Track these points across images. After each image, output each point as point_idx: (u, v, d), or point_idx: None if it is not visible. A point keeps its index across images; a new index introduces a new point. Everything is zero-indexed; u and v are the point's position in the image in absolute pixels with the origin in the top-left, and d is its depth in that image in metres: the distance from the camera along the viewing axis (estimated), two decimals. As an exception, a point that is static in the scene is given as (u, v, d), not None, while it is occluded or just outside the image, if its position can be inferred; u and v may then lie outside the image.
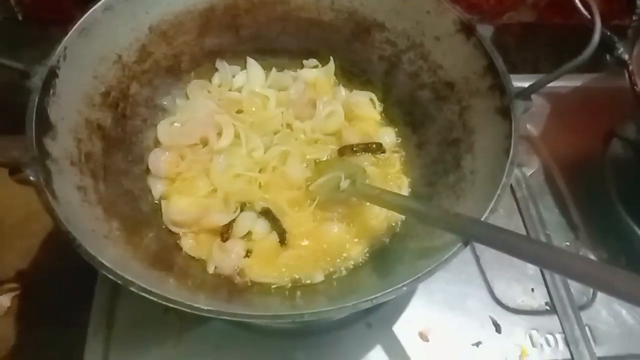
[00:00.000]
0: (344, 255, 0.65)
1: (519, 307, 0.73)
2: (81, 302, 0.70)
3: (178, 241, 0.65)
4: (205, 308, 0.47)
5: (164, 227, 0.66)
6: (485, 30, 0.67)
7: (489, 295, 0.73)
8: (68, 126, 0.59)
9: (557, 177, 0.87)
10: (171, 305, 0.47)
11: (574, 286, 0.74)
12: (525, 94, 0.60)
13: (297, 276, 0.63)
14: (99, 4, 0.63)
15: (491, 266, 0.75)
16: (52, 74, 0.57)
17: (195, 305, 0.47)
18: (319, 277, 0.63)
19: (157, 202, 0.68)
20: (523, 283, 0.75)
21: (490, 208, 0.54)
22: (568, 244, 0.81)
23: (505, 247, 0.49)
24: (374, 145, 0.74)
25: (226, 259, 0.62)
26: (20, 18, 0.92)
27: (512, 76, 0.62)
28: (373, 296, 0.48)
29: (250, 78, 0.78)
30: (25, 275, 0.96)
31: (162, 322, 0.65)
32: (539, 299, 0.74)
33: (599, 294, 0.75)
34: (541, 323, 0.71)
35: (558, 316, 0.72)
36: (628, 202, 0.82)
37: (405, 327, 0.69)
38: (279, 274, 0.62)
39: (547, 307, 0.73)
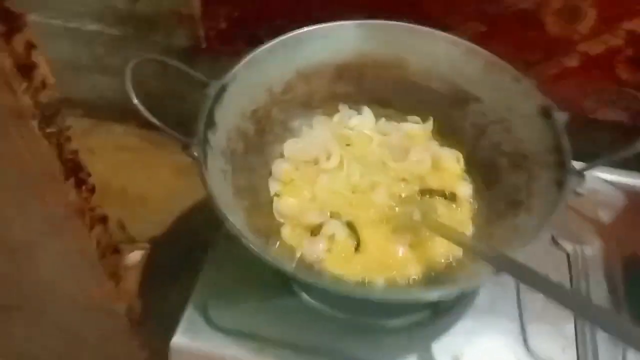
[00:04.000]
0: (403, 271, 0.78)
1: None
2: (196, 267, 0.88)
3: (280, 227, 0.83)
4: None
5: (272, 215, 0.85)
6: (562, 116, 0.80)
7: (523, 344, 0.82)
8: (224, 127, 0.79)
9: (615, 265, 0.93)
10: (273, 265, 0.65)
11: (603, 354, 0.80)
12: (579, 172, 0.73)
13: (362, 276, 0.78)
14: (264, 47, 0.85)
15: (531, 319, 0.84)
16: (223, 89, 0.79)
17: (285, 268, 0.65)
18: (380, 282, 0.77)
19: (271, 197, 0.87)
20: (558, 341, 0.83)
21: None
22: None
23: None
24: (450, 194, 0.87)
25: (312, 249, 0.79)
26: (203, 46, 1.20)
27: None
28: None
29: (362, 122, 0.96)
30: (155, 240, 1.20)
31: (259, 285, 0.82)
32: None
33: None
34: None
35: (584, 380, 0.78)
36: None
37: (442, 347, 0.81)
38: (349, 271, 0.78)
39: (575, 369, 0.80)
